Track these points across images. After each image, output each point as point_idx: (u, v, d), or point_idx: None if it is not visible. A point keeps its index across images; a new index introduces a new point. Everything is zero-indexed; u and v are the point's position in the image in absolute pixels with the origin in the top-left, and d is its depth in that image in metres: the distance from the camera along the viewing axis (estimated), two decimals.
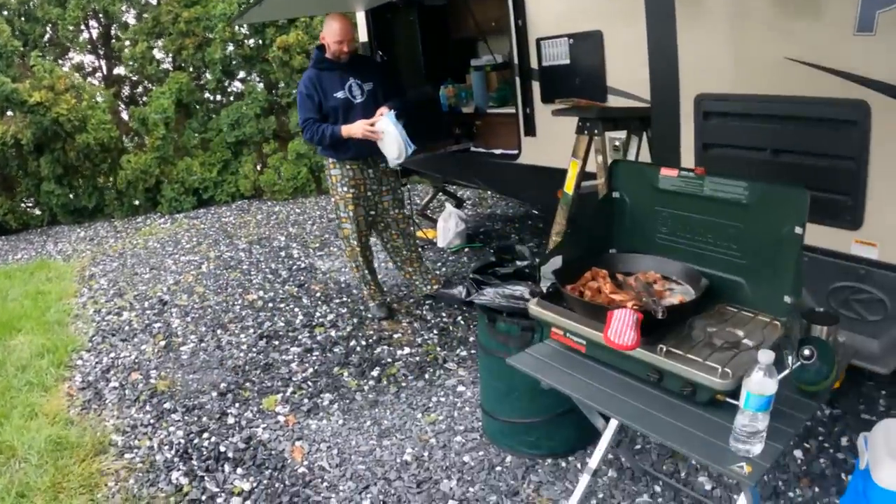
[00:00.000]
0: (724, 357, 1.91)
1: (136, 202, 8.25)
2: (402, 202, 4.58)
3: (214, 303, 5.27)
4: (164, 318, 5.07)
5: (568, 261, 2.31)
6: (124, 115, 8.85)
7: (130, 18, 8.93)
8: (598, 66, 3.90)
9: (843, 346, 2.12)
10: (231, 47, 8.43)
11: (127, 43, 8.61)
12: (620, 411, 1.99)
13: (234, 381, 4.06)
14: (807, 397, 1.95)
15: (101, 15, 8.67)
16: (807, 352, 1.81)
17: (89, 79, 8.91)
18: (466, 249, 5.83)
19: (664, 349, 1.92)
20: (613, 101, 3.90)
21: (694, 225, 2.27)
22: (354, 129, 4.09)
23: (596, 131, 3.34)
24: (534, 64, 4.37)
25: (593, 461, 2.57)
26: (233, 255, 6.38)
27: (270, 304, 5.14)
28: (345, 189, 4.36)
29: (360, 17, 5.72)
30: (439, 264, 5.65)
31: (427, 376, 3.96)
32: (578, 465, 3.10)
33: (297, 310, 5.00)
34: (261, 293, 5.37)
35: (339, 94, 4.17)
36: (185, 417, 3.73)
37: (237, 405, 3.81)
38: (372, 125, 4.05)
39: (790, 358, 1.83)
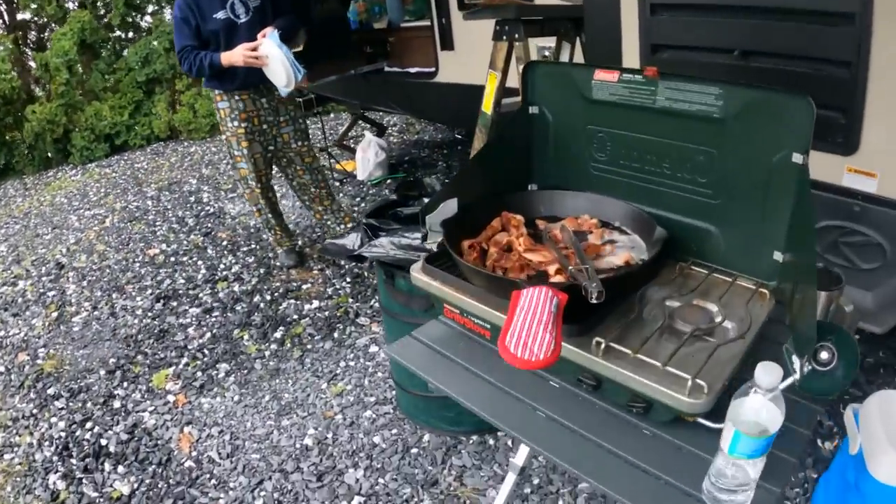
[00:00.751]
0: (692, 354, 1.17)
1: (49, 155, 7.11)
2: (305, 133, 3.69)
3: (114, 261, 4.39)
4: (59, 284, 4.18)
5: (466, 205, 1.52)
6: (33, 64, 7.57)
7: None
8: None
9: (850, 316, 1.39)
10: None
11: None
12: (536, 436, 1.24)
13: (124, 355, 3.29)
14: (810, 399, 1.25)
15: None
16: (824, 355, 1.07)
17: None
18: (389, 181, 4.98)
19: (603, 345, 1.17)
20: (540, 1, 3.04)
21: (644, 150, 1.47)
22: (234, 56, 3.19)
23: (517, 36, 2.51)
24: None
25: (519, 458, 1.86)
26: (139, 204, 5.44)
27: (172, 259, 4.27)
28: (235, 124, 3.46)
29: None
30: (358, 199, 4.79)
31: (336, 335, 3.20)
32: (509, 443, 2.42)
33: (200, 263, 4.15)
34: (164, 246, 4.49)
35: (220, 15, 3.22)
36: (70, 404, 2.98)
37: (125, 384, 3.07)
38: (254, 49, 3.15)
39: (797, 362, 1.11)
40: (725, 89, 1.31)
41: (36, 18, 7.73)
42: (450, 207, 1.47)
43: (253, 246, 4.27)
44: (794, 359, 1.13)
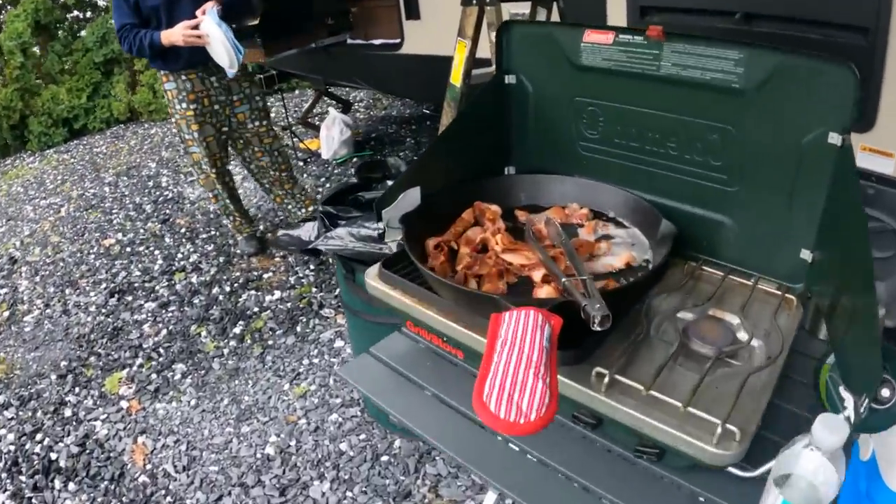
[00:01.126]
0: (717, 385, 0.90)
1: (7, 142, 6.58)
2: (263, 112, 3.33)
3: (68, 254, 4.01)
4: (11, 280, 3.79)
5: (431, 194, 1.23)
6: None
7: None
8: None
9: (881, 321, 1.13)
10: None
11: None
12: (520, 483, 0.97)
13: (76, 357, 2.95)
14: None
15: None
16: (885, 392, 0.81)
17: None
18: (355, 159, 4.62)
19: (606, 378, 0.90)
20: None
21: (645, 126, 1.18)
22: (174, 35, 2.82)
23: (487, 0, 2.19)
24: None
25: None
26: (96, 191, 5.02)
27: (129, 249, 3.90)
28: (184, 106, 3.08)
29: None
30: (323, 179, 4.43)
31: (299, 329, 2.89)
32: None
33: (157, 253, 3.78)
34: (119, 236, 4.11)
35: None
36: (20, 413, 2.66)
37: (77, 389, 2.75)
38: (196, 28, 2.80)
39: (849, 400, 0.84)
40: (748, 53, 1.02)
41: None
42: (411, 199, 1.18)
43: (213, 232, 3.91)
44: (845, 395, 0.87)
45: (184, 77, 3.03)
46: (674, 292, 1.11)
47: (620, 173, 1.27)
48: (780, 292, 1.11)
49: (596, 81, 1.21)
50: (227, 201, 3.41)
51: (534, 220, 1.24)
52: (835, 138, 0.98)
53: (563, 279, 0.92)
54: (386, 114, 5.70)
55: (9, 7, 6.65)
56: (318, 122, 4.98)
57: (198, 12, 2.79)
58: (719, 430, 0.82)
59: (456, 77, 2.44)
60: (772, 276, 1.13)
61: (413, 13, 3.30)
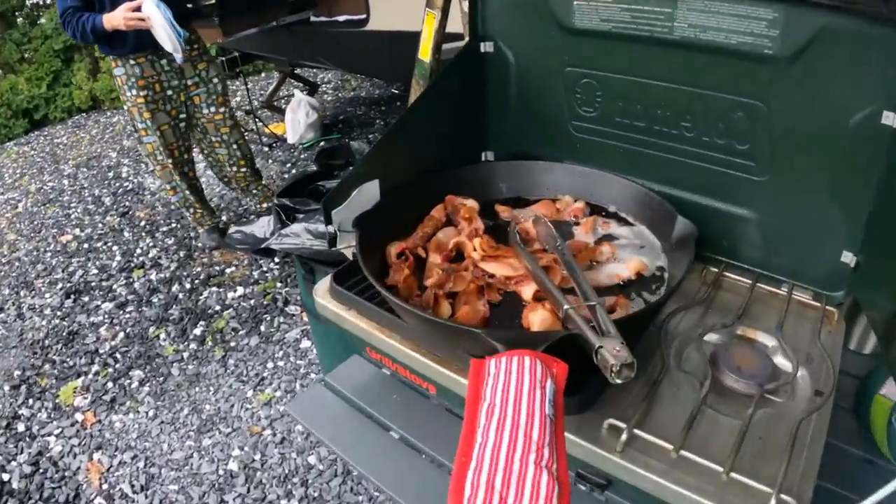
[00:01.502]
0: (762, 436, 0.68)
1: None
2: (221, 97, 3.02)
3: (24, 252, 3.69)
4: None
5: (393, 188, 0.98)
6: None
7: None
8: None
9: None
10: None
11: None
12: None
13: (30, 365, 2.67)
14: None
15: None
16: None
17: None
18: (322, 143, 4.33)
19: (624, 435, 0.67)
20: None
21: (653, 101, 0.94)
22: (116, 19, 2.52)
23: None
24: None
25: None
26: (55, 184, 4.68)
27: (86, 246, 3.60)
28: (134, 92, 2.76)
29: None
30: (289, 165, 4.12)
31: (263, 328, 2.63)
32: None
33: (115, 248, 3.48)
34: (77, 231, 3.79)
35: None
36: None
37: (31, 401, 2.48)
38: (137, 10, 2.51)
39: None
40: (784, 12, 0.78)
41: None
42: (368, 194, 0.93)
43: (173, 225, 3.61)
44: None
45: (132, 61, 2.72)
46: (693, 307, 0.88)
47: (622, 159, 1.03)
48: (818, 304, 0.89)
49: (592, 47, 0.97)
50: (187, 192, 3.10)
51: (519, 217, 1.00)
52: (890, 118, 0.76)
53: (566, 307, 0.68)
54: (354, 95, 5.37)
55: None
56: (283, 106, 4.67)
57: None
58: (773, 501, 0.60)
59: (425, 52, 2.16)
60: (806, 282, 0.91)
61: None
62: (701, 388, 0.76)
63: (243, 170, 3.18)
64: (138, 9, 2.49)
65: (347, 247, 0.91)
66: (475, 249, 0.88)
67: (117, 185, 4.38)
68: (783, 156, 0.87)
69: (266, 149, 4.32)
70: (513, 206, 1.05)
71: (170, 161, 2.97)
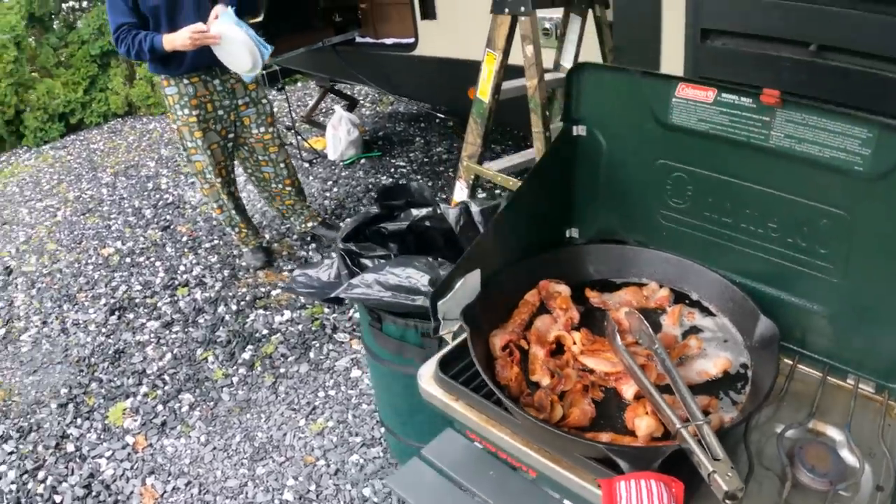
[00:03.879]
0: None
1: (2, 136, 6.33)
2: (269, 117, 3.12)
3: (65, 264, 3.81)
4: (7, 293, 3.59)
5: (490, 278, 1.05)
6: None
7: None
8: None
9: None
10: None
11: None
12: None
13: (77, 383, 2.76)
14: None
15: None
16: None
17: None
18: (363, 160, 4.42)
19: None
20: None
21: (742, 201, 1.00)
22: (179, 40, 2.60)
23: (523, 9, 1.99)
24: None
25: None
26: (94, 192, 4.81)
27: (128, 260, 3.71)
28: (186, 112, 2.87)
29: None
30: (330, 183, 4.23)
31: (312, 355, 2.73)
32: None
33: (158, 264, 3.60)
34: (118, 244, 3.91)
35: None
36: (20, 446, 2.48)
37: (79, 421, 2.56)
38: (202, 31, 2.59)
39: None
40: (878, 133, 0.85)
41: None
42: (470, 285, 1.01)
43: (216, 241, 3.72)
44: None
45: (185, 81, 2.82)
46: (771, 400, 0.95)
47: (706, 249, 1.10)
48: (881, 397, 0.95)
49: (687, 144, 1.03)
50: (233, 211, 3.22)
51: (609, 304, 1.07)
52: None
53: (678, 426, 0.75)
54: (393, 110, 5.47)
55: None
56: (322, 120, 4.77)
57: (211, 16, 2.60)
58: None
59: (484, 91, 2.26)
60: (870, 373, 0.98)
61: (429, 13, 3.09)
62: (783, 488, 0.82)
63: (288, 188, 3.28)
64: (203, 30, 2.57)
65: (448, 332, 0.99)
66: (574, 343, 0.95)
67: (157, 196, 4.50)
68: (861, 263, 0.94)
69: (306, 165, 4.42)
70: (600, 290, 1.12)
71: (218, 180, 3.08)
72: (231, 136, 3.06)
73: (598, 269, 1.16)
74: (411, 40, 3.30)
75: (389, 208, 2.04)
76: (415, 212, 2.01)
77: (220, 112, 2.96)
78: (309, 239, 3.53)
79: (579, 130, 1.14)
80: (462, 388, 0.93)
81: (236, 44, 2.54)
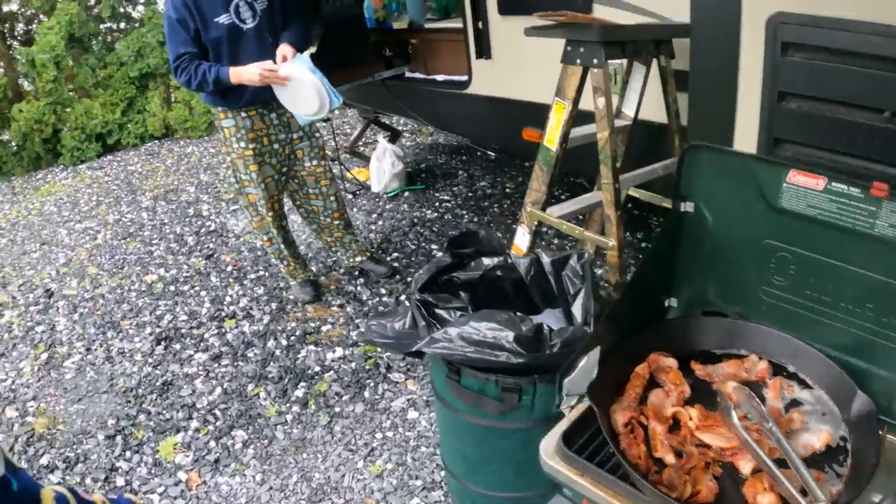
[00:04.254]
0: None
1: (39, 154, 6.57)
2: (321, 150, 3.24)
3: (108, 289, 3.93)
4: (48, 316, 3.72)
5: (605, 353, 1.13)
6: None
7: None
8: None
9: None
10: None
11: None
12: None
13: (125, 414, 2.83)
14: None
15: None
16: None
17: None
18: (406, 193, 4.54)
19: None
20: (605, 16, 2.62)
21: (844, 284, 1.09)
22: (248, 75, 2.70)
23: (595, 61, 2.09)
24: None
25: None
26: (134, 216, 4.96)
27: (172, 288, 3.82)
28: (242, 145, 2.98)
29: None
30: (374, 216, 4.35)
31: (367, 395, 2.81)
32: None
33: (203, 294, 3.71)
34: (161, 271, 4.04)
35: (223, 19, 2.72)
36: (66, 478, 2.55)
37: (128, 454, 2.64)
38: (272, 70, 2.70)
39: None
40: None
41: (23, 10, 7.09)
42: (591, 362, 1.09)
43: (261, 272, 3.84)
44: None
45: (244, 114, 2.93)
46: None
47: (803, 323, 1.18)
48: None
49: (794, 227, 1.12)
50: (282, 245, 3.33)
51: (713, 376, 1.15)
52: None
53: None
54: (433, 141, 5.61)
55: (42, 17, 6.62)
56: (364, 151, 4.91)
57: (279, 53, 2.72)
58: None
59: (551, 140, 2.35)
60: None
61: (484, 52, 3.21)
62: None
63: (336, 221, 3.38)
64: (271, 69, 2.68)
65: (569, 406, 1.07)
66: (691, 419, 1.03)
67: (199, 223, 4.64)
68: None
69: (350, 196, 4.54)
70: (703, 362, 1.20)
71: (270, 214, 3.18)
72: (284, 169, 3.16)
73: (702, 340, 1.24)
74: (464, 78, 3.42)
75: (460, 256, 2.13)
76: (486, 261, 2.10)
77: (276, 146, 3.07)
78: (357, 273, 3.63)
79: (687, 207, 1.23)
80: (591, 465, 1.01)
81: (306, 88, 2.65)
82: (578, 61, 2.14)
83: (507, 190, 4.44)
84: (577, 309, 1.91)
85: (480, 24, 3.16)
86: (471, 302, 2.03)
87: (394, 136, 4.92)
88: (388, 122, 5.30)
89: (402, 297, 3.39)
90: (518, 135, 3.17)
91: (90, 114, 6.48)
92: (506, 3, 3.00)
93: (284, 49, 2.72)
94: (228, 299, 3.62)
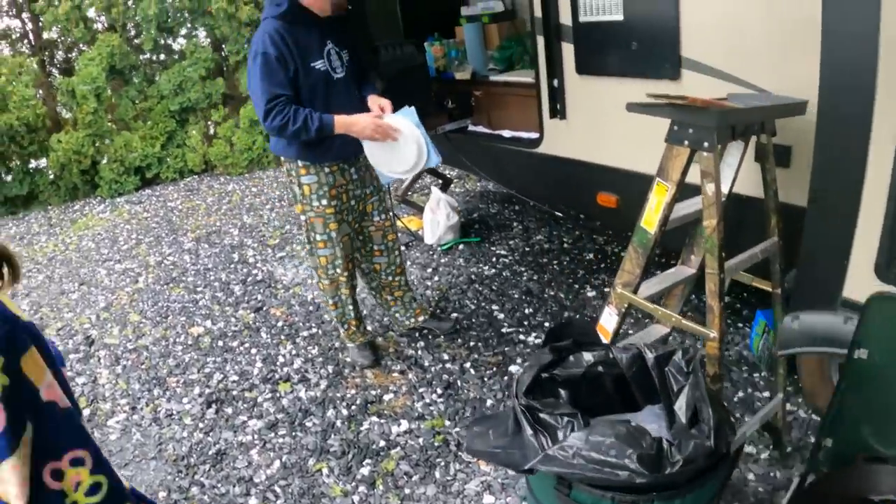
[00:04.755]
0: None
1: (76, 184, 6.67)
2: (388, 204, 3.22)
3: (152, 340, 3.92)
4: (90, 366, 3.71)
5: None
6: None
7: None
8: (671, 26, 2.59)
9: None
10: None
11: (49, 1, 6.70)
12: None
13: (177, 487, 2.77)
14: None
15: None
16: None
17: (18, 45, 7.12)
18: (461, 246, 4.52)
19: None
20: (694, 83, 2.61)
21: None
22: (359, 126, 2.64)
23: (706, 144, 2.05)
24: (565, 18, 3.00)
25: None
26: (176, 258, 4.98)
27: (220, 343, 3.80)
28: (324, 203, 2.91)
29: None
30: (430, 270, 4.32)
31: (437, 475, 2.75)
32: None
33: (254, 351, 3.69)
34: (208, 323, 4.02)
35: (319, 65, 2.67)
36: None
37: None
38: (380, 125, 2.66)
39: None
40: None
41: (63, 38, 7.24)
42: None
43: (314, 330, 3.82)
44: None
45: (327, 170, 2.88)
46: None
47: None
48: None
49: None
50: (349, 307, 3.26)
51: None
52: None
53: None
54: (482, 188, 5.61)
55: (84, 47, 6.75)
56: (412, 196, 4.91)
57: (375, 104, 2.72)
58: None
59: (650, 222, 2.31)
60: None
61: (558, 111, 3.19)
62: None
63: (399, 278, 3.36)
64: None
65: None
66: None
67: (245, 271, 4.64)
68: None
69: (403, 247, 4.53)
70: None
71: (345, 274, 3.12)
72: (356, 226, 3.13)
73: (876, 488, 1.20)
74: (535, 136, 3.41)
75: (559, 351, 2.10)
76: (587, 356, 2.06)
77: (353, 202, 3.03)
78: (417, 335, 3.59)
79: (860, 354, 1.19)
80: None
81: (408, 143, 2.61)
82: (686, 143, 2.11)
83: (566, 245, 4.40)
84: (680, 407, 1.88)
85: (556, 83, 3.15)
86: (571, 399, 2.00)
87: (445, 184, 4.92)
88: (438, 169, 5.32)
89: (468, 365, 3.35)
90: (592, 198, 3.15)
91: (129, 146, 6.59)
92: (585, 63, 2.99)
93: (381, 101, 2.71)
94: (281, 359, 3.60)
